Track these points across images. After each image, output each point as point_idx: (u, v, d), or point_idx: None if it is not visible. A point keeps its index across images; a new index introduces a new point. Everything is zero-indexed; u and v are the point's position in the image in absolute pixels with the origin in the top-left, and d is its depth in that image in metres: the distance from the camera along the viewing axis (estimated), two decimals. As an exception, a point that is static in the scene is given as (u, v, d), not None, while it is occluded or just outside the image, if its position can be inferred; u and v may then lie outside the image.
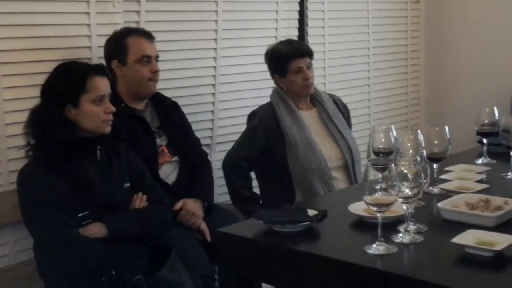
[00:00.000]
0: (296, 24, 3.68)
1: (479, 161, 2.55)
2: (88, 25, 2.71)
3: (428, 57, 4.61)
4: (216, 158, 3.25)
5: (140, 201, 2.21)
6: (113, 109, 2.17)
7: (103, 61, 2.63)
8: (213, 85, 3.27)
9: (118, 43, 2.62)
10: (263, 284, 2.35)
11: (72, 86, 2.11)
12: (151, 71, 2.63)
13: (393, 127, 2.15)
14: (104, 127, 2.15)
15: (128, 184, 2.21)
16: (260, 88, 3.37)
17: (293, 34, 3.63)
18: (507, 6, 4.24)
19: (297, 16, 3.67)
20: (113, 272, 2.02)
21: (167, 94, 2.90)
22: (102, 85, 2.15)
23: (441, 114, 4.51)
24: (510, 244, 1.57)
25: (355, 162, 2.97)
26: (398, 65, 4.41)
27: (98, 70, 2.19)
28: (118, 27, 2.71)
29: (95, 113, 2.12)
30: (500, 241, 1.59)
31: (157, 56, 2.68)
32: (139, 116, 2.66)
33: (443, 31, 4.53)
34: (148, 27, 2.83)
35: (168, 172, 2.69)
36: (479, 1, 4.37)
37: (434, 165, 2.15)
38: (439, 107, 4.59)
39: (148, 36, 2.65)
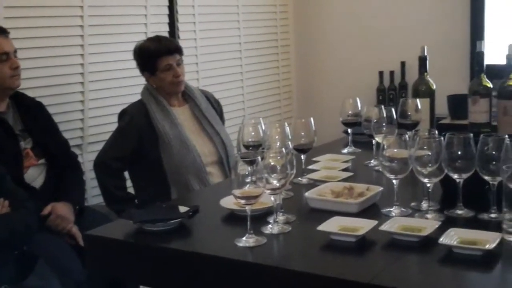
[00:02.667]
0: (167, 19, 3.65)
1: (345, 150, 2.65)
2: None
3: (298, 51, 4.75)
4: (89, 158, 3.15)
5: (1, 206, 2.09)
6: None
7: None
8: (82, 83, 3.16)
9: None
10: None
11: None
12: (11, 68, 2.51)
13: (261, 120, 2.19)
14: None
15: (-13, 190, 2.09)
16: (132, 85, 3.31)
17: (164, 30, 3.60)
18: (368, 3, 4.46)
19: (167, 11, 3.64)
20: (-25, 283, 1.90)
21: (30, 94, 2.77)
22: None
23: (313, 106, 4.66)
24: (371, 229, 1.64)
25: (230, 157, 2.99)
26: (269, 59, 4.50)
27: None
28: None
29: None
30: (362, 225, 1.66)
31: (15, 51, 2.56)
32: (0, 119, 2.52)
33: (312, 26, 4.69)
34: (7, 24, 2.69)
35: (35, 175, 2.58)
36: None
37: (302, 156, 2.20)
38: (310, 100, 4.74)
39: (1, 32, 2.52)
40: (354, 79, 4.51)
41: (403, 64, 4.27)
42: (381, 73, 4.37)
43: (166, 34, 3.55)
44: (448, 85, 3.66)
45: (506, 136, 1.70)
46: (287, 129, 2.09)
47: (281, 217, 1.80)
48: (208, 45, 3.91)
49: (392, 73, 4.34)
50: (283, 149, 1.76)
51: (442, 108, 3.84)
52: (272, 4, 4.48)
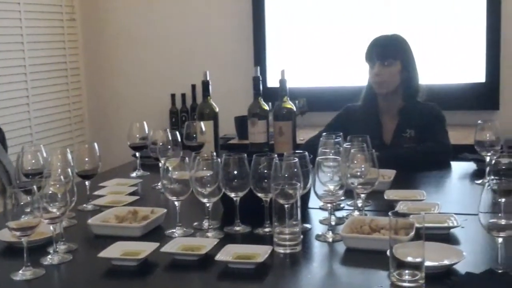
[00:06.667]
0: None
1: (134, 174, 2.66)
2: None
3: (88, 74, 4.67)
4: None
5: None
6: None
7: None
8: None
9: None
10: None
11: None
12: None
13: (42, 147, 2.12)
14: None
15: None
16: None
17: None
18: (159, 27, 4.54)
19: None
20: None
21: None
22: None
23: (107, 130, 4.61)
24: (153, 251, 1.67)
25: (14, 186, 2.84)
26: (58, 82, 4.37)
27: None
28: None
29: None
30: (144, 249, 1.68)
31: None
32: None
33: (103, 49, 4.65)
34: None
35: None
36: (134, 21, 4.58)
37: (86, 182, 2.17)
38: (103, 124, 4.68)
39: None
40: (147, 102, 4.55)
41: (193, 87, 4.40)
42: (173, 96, 4.46)
43: None
44: (236, 107, 3.83)
45: (276, 155, 1.84)
46: (69, 155, 2.06)
47: (62, 247, 1.76)
48: (-11, 68, 3.69)
49: (183, 95, 4.45)
50: (62, 177, 1.72)
51: (232, 129, 4.04)
52: (59, 26, 4.36)
